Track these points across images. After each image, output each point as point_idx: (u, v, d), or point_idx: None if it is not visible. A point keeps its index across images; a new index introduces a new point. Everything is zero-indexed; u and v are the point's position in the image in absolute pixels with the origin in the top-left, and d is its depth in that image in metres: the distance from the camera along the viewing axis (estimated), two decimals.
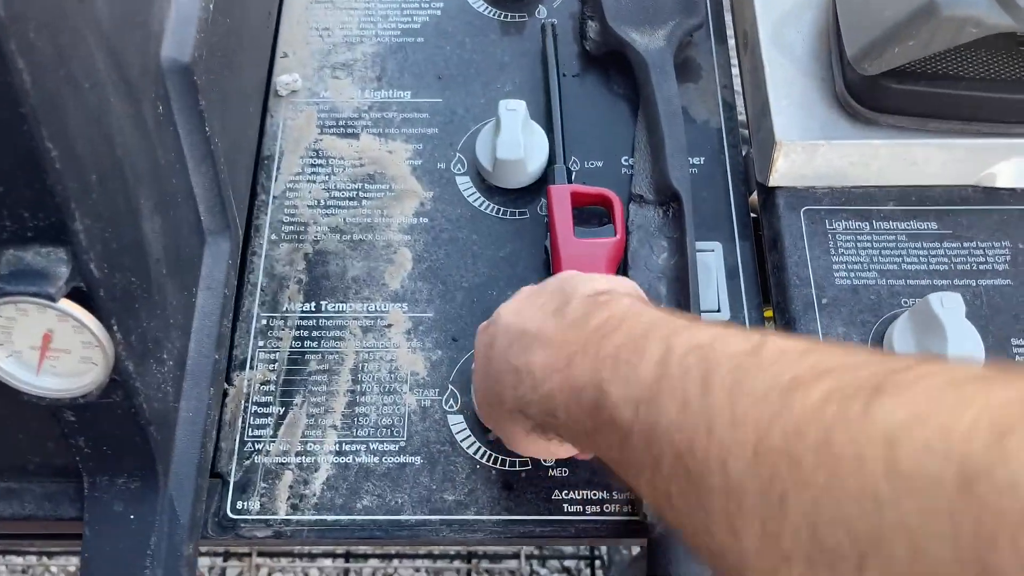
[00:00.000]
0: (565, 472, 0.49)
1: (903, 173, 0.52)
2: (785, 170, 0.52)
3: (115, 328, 0.32)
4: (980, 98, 0.48)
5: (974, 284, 0.50)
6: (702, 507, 0.26)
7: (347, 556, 1.16)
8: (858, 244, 0.51)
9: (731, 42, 0.63)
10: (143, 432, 0.35)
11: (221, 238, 0.43)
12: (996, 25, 0.44)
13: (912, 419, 0.22)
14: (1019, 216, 0.52)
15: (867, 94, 0.50)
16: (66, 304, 0.30)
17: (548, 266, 0.54)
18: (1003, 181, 0.52)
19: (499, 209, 0.57)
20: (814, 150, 0.51)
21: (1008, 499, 0.19)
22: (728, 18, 0.63)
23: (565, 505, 0.48)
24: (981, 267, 0.50)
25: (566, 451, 0.43)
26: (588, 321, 0.34)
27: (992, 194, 0.52)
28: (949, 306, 0.44)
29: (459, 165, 0.58)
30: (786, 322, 0.50)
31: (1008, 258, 0.50)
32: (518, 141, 0.54)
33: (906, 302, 0.49)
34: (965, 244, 0.51)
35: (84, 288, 0.31)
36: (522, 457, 0.49)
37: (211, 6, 0.40)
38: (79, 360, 0.32)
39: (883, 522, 0.21)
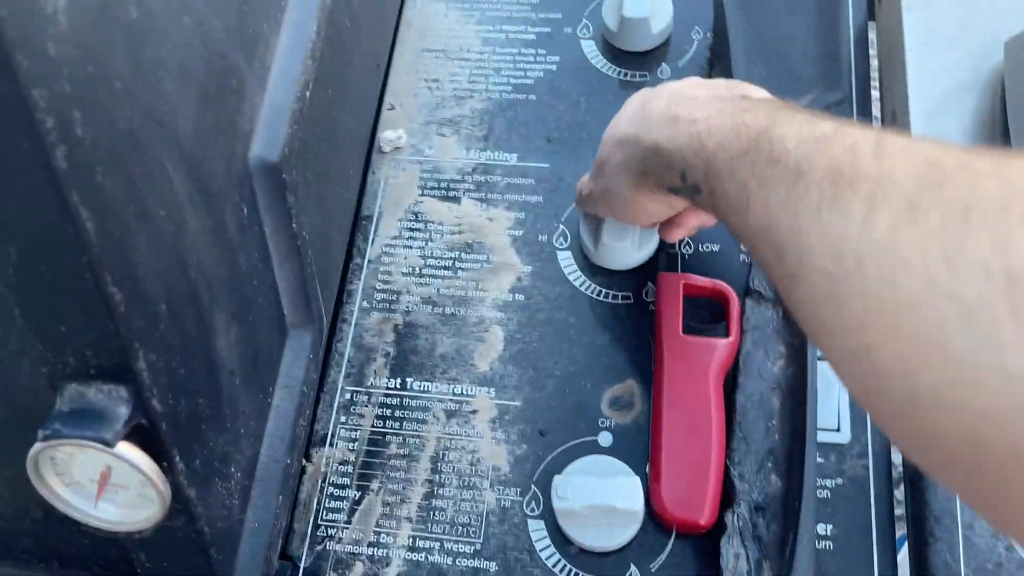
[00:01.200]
0: None
1: None
2: None
3: (176, 460, 0.31)
4: None
5: None
6: (836, 202, 0.27)
7: None
8: None
9: (876, 111, 0.57)
10: (204, 554, 0.33)
11: (304, 331, 0.41)
12: None
13: None
14: None
15: None
16: (123, 448, 0.28)
17: (651, 358, 0.50)
18: None
19: (601, 291, 0.53)
20: None
21: None
22: (875, 89, 0.56)
23: None
24: None
25: (658, 212, 0.45)
26: (767, 102, 0.37)
27: None
28: None
29: (562, 239, 0.55)
30: (917, 498, 0.44)
31: None
32: None
33: None
34: None
35: (145, 424, 0.29)
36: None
37: (308, 93, 0.38)
38: (137, 495, 0.30)
39: None
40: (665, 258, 0.52)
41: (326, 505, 0.48)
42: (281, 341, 0.40)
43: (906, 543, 0.45)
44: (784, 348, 0.48)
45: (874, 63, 0.58)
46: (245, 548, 0.37)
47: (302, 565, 0.47)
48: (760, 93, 0.42)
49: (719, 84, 0.43)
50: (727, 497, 0.45)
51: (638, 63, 0.60)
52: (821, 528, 0.45)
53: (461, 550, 0.47)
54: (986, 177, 0.25)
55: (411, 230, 0.56)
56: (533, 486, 0.48)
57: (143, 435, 0.30)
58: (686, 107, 0.39)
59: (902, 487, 0.47)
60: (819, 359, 0.48)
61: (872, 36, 0.59)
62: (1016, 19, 0.48)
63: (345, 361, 0.52)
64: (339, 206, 0.52)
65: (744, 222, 0.32)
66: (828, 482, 0.46)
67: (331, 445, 0.50)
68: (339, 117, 0.49)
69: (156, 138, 0.28)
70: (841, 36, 0.54)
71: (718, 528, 0.44)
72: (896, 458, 0.48)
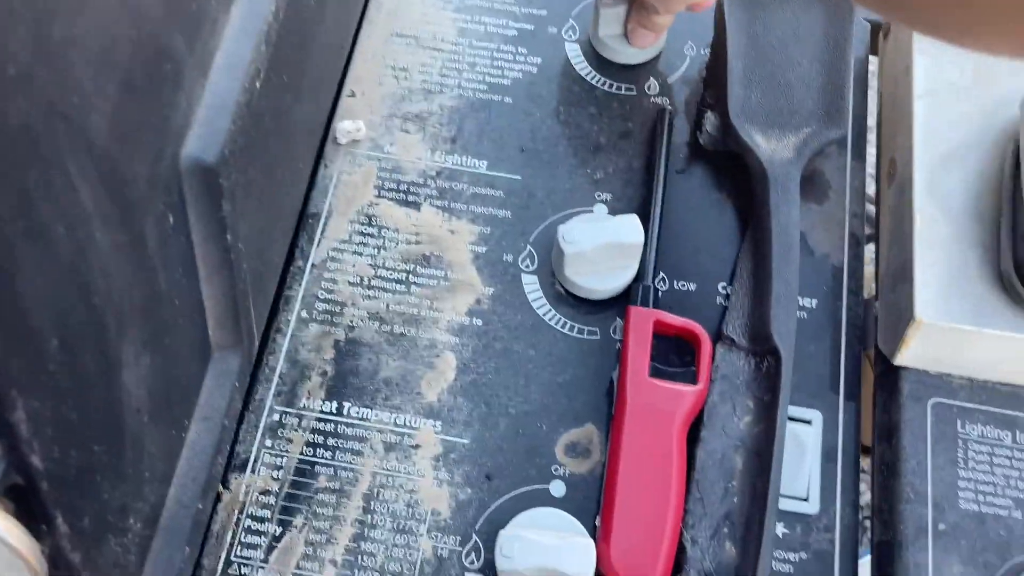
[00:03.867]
0: None
1: None
2: (917, 352, 0.43)
3: (59, 522, 0.25)
4: None
5: None
6: None
7: None
8: (994, 459, 0.42)
9: (870, 158, 0.54)
10: None
11: (231, 354, 0.36)
12: None
13: None
14: None
15: None
16: None
17: (611, 401, 0.46)
18: None
19: (566, 323, 0.48)
20: (960, 336, 0.42)
21: None
22: (871, 131, 0.53)
23: None
24: None
25: None
26: None
27: None
28: None
29: (528, 261, 0.50)
30: (888, 543, 0.41)
31: None
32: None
33: None
34: None
35: (22, 483, 0.24)
36: None
37: (258, 84, 0.33)
38: (6, 565, 0.25)
39: None
40: (638, 291, 0.48)
41: (242, 539, 0.43)
42: (202, 366, 0.35)
43: None
44: (753, 403, 0.45)
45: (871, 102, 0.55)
46: None
47: None
48: None
49: None
50: (677, 563, 0.41)
51: (625, 75, 0.55)
52: None
53: None
54: None
55: (363, 235, 0.50)
56: (475, 535, 0.43)
57: (18, 495, 0.24)
58: None
59: (868, 562, 0.44)
60: (788, 420, 0.44)
61: (873, 69, 0.56)
62: None
63: (276, 377, 0.47)
64: (284, 203, 0.47)
65: None
66: (791, 555, 0.43)
67: (253, 471, 0.45)
68: (292, 106, 0.43)
69: (60, 136, 0.22)
70: (846, 70, 0.50)
71: None
72: (863, 535, 0.45)
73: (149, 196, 0.28)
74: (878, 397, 0.45)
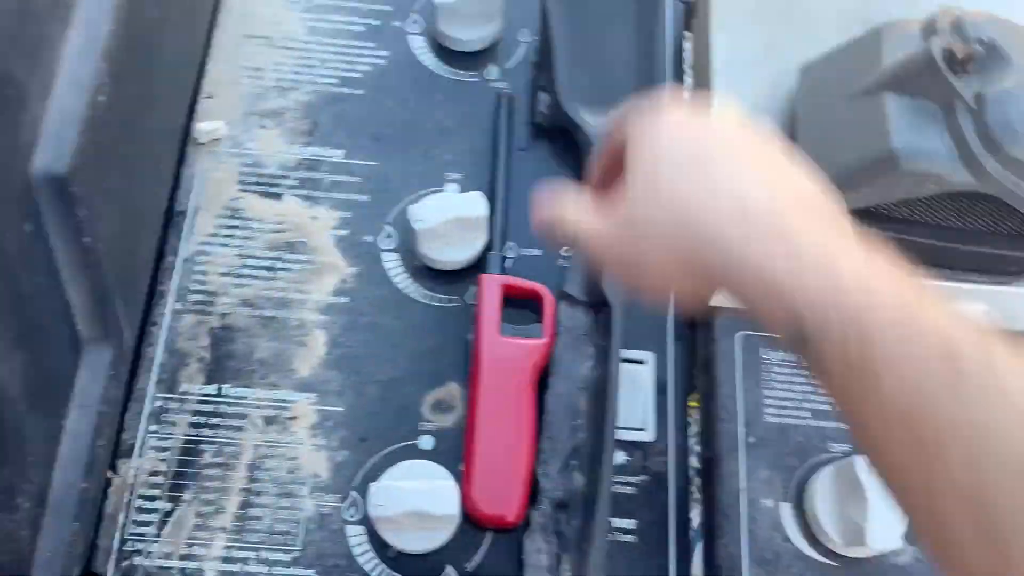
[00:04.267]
0: None
1: None
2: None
3: None
4: (934, 246, 0.46)
5: None
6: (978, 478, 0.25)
7: None
8: (793, 378, 0.49)
9: None
10: None
11: (102, 347, 0.39)
12: (958, 183, 0.42)
13: None
14: None
15: None
16: None
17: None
18: None
19: (426, 294, 0.53)
20: None
21: None
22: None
23: None
24: None
25: (694, 301, 0.36)
26: (899, 270, 0.29)
27: None
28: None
29: (387, 240, 0.54)
30: (710, 458, 0.48)
31: None
32: None
33: (833, 446, 0.47)
34: None
35: None
36: None
37: (101, 98, 0.36)
38: None
39: None
40: (487, 260, 0.53)
41: (134, 519, 0.46)
42: (75, 359, 0.38)
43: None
44: (593, 350, 0.50)
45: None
46: None
47: None
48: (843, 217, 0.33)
49: (792, 164, 0.33)
50: (533, 495, 0.47)
51: (466, 62, 0.60)
52: (626, 523, 0.48)
53: (278, 559, 0.46)
54: None
55: (229, 228, 0.54)
56: (353, 492, 0.48)
57: None
58: (798, 219, 0.30)
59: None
60: (622, 360, 0.50)
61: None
62: (814, 46, 0.52)
63: (156, 367, 0.50)
64: (148, 203, 0.50)
65: (927, 471, 0.27)
66: (634, 479, 0.49)
67: (140, 455, 0.48)
68: (145, 113, 0.46)
69: None
70: (657, 48, 0.56)
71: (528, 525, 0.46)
72: (693, 458, 0.51)
73: (4, 208, 0.31)
74: (698, 335, 0.52)
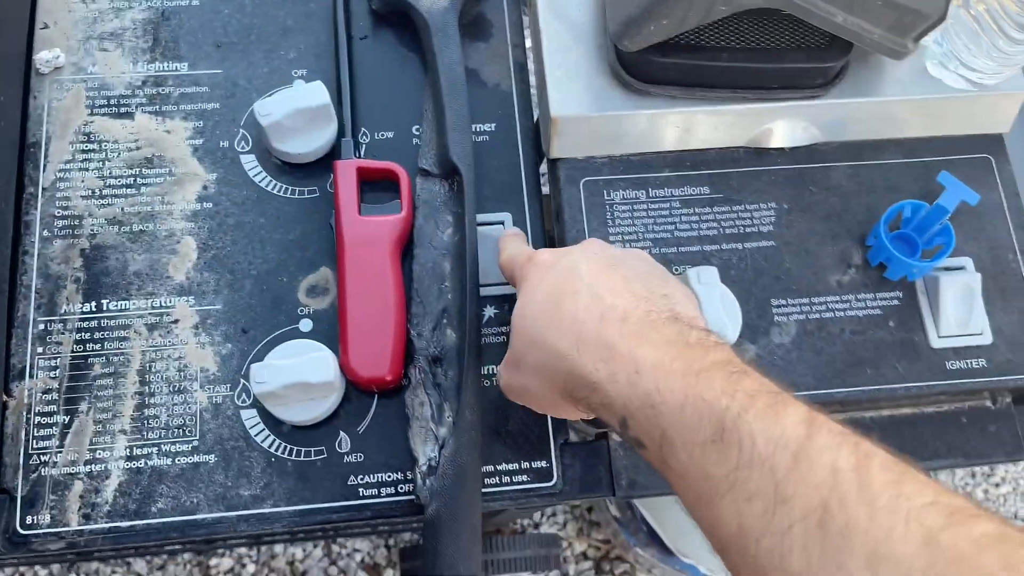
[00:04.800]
0: (360, 457, 0.50)
1: (677, 140, 0.53)
2: (563, 143, 0.52)
3: None
4: (741, 68, 0.49)
5: (740, 247, 0.52)
6: (829, 559, 0.27)
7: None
8: (634, 214, 0.53)
9: None
10: None
11: None
12: (744, 2, 0.45)
13: None
14: (785, 177, 0.54)
15: (635, 67, 0.50)
16: None
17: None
18: (771, 142, 0.54)
19: (287, 188, 0.55)
20: (589, 123, 0.51)
21: None
22: None
23: (361, 490, 0.50)
24: (747, 230, 0.53)
25: (577, 415, 0.43)
26: (708, 353, 0.35)
27: (762, 155, 0.54)
28: (705, 281, 0.46)
29: (243, 143, 0.56)
30: None
31: (773, 219, 0.53)
32: None
33: (676, 270, 0.51)
34: (734, 208, 0.53)
35: None
36: (316, 447, 0.50)
37: None
38: None
39: None
40: (339, 147, 0.55)
41: (35, 434, 0.49)
42: None
43: None
44: (451, 218, 0.53)
45: None
46: None
47: (19, 495, 0.48)
48: (686, 303, 0.39)
49: (638, 278, 0.39)
50: (409, 356, 0.50)
51: None
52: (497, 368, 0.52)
53: (179, 449, 0.49)
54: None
55: (85, 152, 0.55)
56: (242, 380, 0.51)
57: None
58: (619, 334, 0.36)
59: None
60: (482, 224, 0.53)
61: None
62: None
63: (33, 293, 0.52)
64: None
65: (708, 516, 0.31)
66: (503, 328, 0.53)
67: (31, 377, 0.50)
68: None
69: None
70: None
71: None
72: None
73: None
74: (550, 188, 0.55)
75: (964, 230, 0.53)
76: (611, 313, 0.37)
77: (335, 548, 1.26)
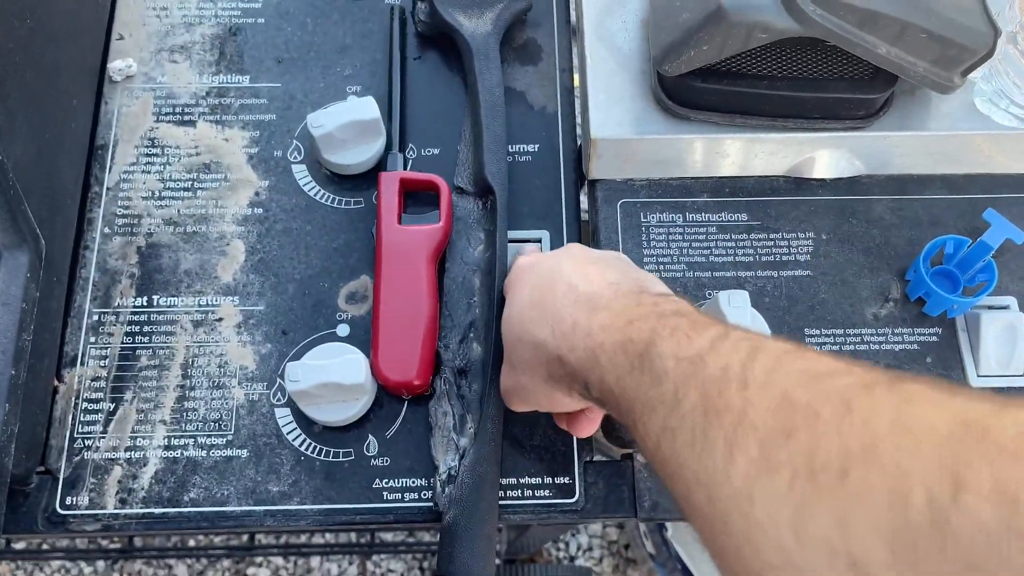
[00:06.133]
0: (387, 461, 0.51)
1: (715, 166, 0.53)
2: (603, 165, 0.53)
3: None
4: (781, 96, 0.49)
5: (776, 275, 0.52)
6: (705, 437, 0.29)
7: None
8: (670, 237, 0.53)
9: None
10: None
11: (18, 252, 0.43)
12: (783, 30, 0.45)
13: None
14: (825, 207, 0.54)
15: (676, 92, 0.51)
16: None
17: None
18: (813, 172, 0.54)
19: (334, 198, 0.57)
20: (628, 146, 0.52)
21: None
22: None
23: (385, 493, 0.50)
24: (784, 258, 0.53)
25: (573, 405, 0.45)
26: (656, 306, 0.37)
27: (802, 185, 0.54)
28: (736, 304, 0.46)
29: (296, 153, 0.58)
30: None
31: (811, 249, 0.53)
32: None
33: (709, 294, 0.51)
34: (771, 235, 0.53)
35: None
36: (344, 449, 0.51)
37: None
38: None
39: (874, 446, 0.25)
40: (386, 160, 0.57)
41: (81, 419, 0.51)
42: None
43: None
44: (483, 235, 0.55)
45: None
46: None
47: (61, 476, 0.50)
48: (657, 285, 0.42)
49: (613, 268, 0.42)
50: (437, 366, 0.51)
51: None
52: None
53: (214, 442, 0.51)
54: (830, 431, 0.26)
55: (148, 156, 0.58)
56: (278, 379, 0.53)
57: None
58: (583, 312, 0.39)
59: None
60: (519, 240, 0.54)
61: None
62: None
63: (90, 286, 0.54)
64: (65, 136, 0.54)
65: (638, 442, 0.33)
66: None
67: (82, 364, 0.53)
68: (47, 48, 0.50)
69: None
70: None
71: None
72: None
73: None
74: (588, 208, 0.56)
75: (1009, 268, 0.52)
76: (583, 298, 0.39)
77: (370, 567, 1.27)
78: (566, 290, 0.40)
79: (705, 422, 0.29)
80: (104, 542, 1.21)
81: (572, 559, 1.28)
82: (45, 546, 1.20)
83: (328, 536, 1.25)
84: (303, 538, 1.24)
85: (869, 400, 0.26)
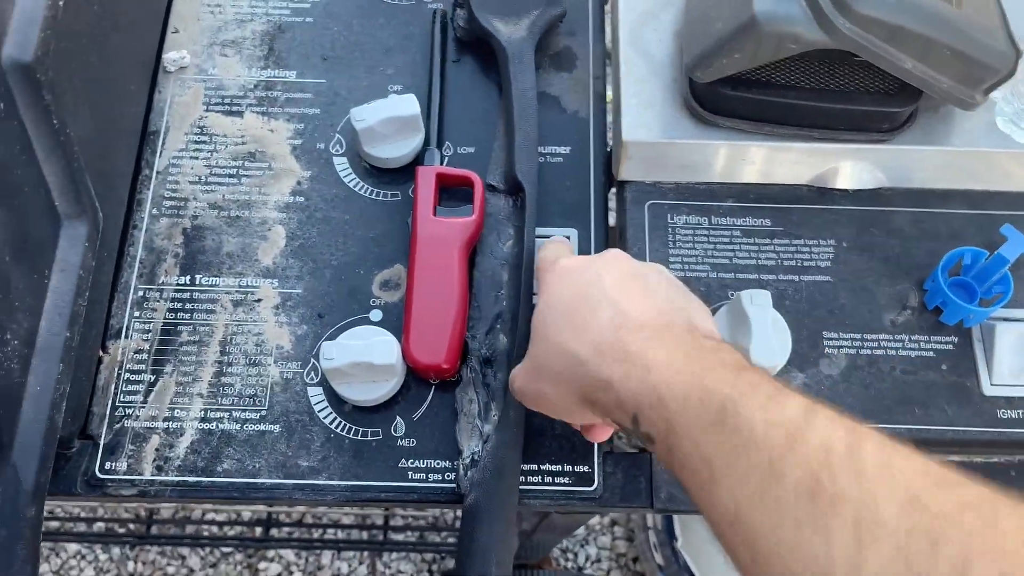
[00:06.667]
0: (413, 442, 0.53)
1: (742, 172, 0.55)
2: (632, 167, 0.55)
3: None
4: (808, 107, 0.51)
5: (797, 279, 0.54)
6: (816, 523, 0.28)
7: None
8: (695, 238, 0.55)
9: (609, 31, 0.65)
10: None
11: (78, 222, 0.46)
12: (814, 42, 0.47)
13: None
14: (847, 216, 0.55)
15: (706, 99, 0.53)
16: None
17: None
18: (836, 182, 0.56)
19: (373, 190, 0.60)
20: (658, 149, 0.54)
21: None
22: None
23: (410, 473, 0.52)
24: (805, 263, 0.54)
25: (591, 420, 0.44)
26: (718, 354, 0.37)
27: (825, 194, 0.56)
28: (758, 303, 0.48)
29: (338, 146, 0.61)
30: None
31: (832, 255, 0.54)
32: None
33: (732, 294, 0.53)
34: (794, 241, 0.55)
35: None
36: (373, 429, 0.53)
37: (61, 3, 0.43)
38: None
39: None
40: (423, 155, 0.59)
41: (123, 389, 0.54)
42: (55, 230, 0.45)
43: None
44: (512, 231, 0.57)
45: None
46: (28, 408, 0.42)
47: (101, 442, 0.52)
48: (700, 314, 0.41)
49: (659, 291, 0.41)
50: (464, 355, 0.53)
51: None
52: None
53: (248, 417, 0.53)
54: (978, 538, 0.26)
55: (197, 143, 0.61)
56: (312, 359, 0.55)
57: None
58: (636, 340, 0.37)
59: None
60: (547, 237, 0.56)
61: None
62: None
63: (137, 263, 0.57)
64: (121, 120, 0.56)
65: (708, 499, 0.32)
66: None
67: (126, 337, 0.55)
68: (111, 35, 0.53)
69: None
70: None
71: None
72: None
73: None
74: (616, 208, 0.58)
75: None
76: (630, 323, 0.39)
77: (379, 567, 1.28)
78: (611, 313, 0.39)
79: (813, 507, 0.28)
80: (120, 530, 1.23)
81: (580, 569, 1.28)
82: (69, 517, 1.22)
83: (340, 533, 1.26)
84: (316, 533, 1.26)
85: (1015, 517, 0.26)
